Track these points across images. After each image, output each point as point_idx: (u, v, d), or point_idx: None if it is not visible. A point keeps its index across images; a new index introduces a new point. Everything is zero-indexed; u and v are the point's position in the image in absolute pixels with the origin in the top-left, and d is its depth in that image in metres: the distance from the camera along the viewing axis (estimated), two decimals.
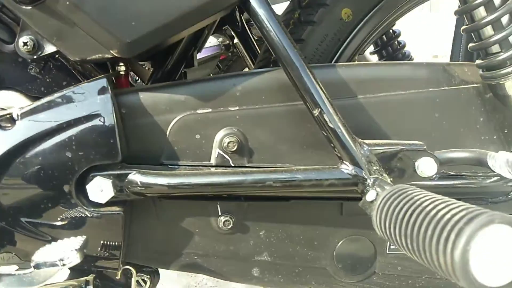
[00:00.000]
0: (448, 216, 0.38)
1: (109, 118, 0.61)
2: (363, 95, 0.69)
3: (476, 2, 0.63)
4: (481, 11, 0.63)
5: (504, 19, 0.64)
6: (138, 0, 0.56)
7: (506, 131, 0.72)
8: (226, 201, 0.69)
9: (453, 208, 0.39)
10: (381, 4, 0.78)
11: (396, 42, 1.06)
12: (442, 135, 0.71)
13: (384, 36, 1.06)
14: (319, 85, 0.60)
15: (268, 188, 0.60)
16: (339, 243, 0.73)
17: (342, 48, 0.79)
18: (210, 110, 0.66)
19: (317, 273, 0.74)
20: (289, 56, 0.60)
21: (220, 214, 0.69)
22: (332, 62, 0.80)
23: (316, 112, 0.59)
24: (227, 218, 0.69)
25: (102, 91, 0.62)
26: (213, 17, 0.63)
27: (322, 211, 0.71)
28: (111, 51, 0.58)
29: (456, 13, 0.66)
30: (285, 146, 0.68)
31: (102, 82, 0.62)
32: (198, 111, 0.66)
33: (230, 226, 0.69)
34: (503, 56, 0.64)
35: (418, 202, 0.43)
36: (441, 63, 0.73)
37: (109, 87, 0.61)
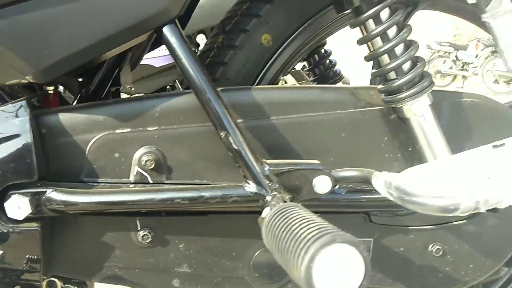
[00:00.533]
0: (304, 234, 0.43)
1: (26, 139, 0.64)
2: (276, 116, 0.75)
3: (373, 32, 0.69)
4: (378, 41, 0.69)
5: (399, 49, 0.70)
6: (49, 30, 0.59)
7: (410, 149, 0.78)
8: (145, 216, 0.73)
9: (310, 227, 0.44)
10: (300, 30, 0.84)
11: (327, 61, 1.13)
12: (349, 154, 0.76)
13: (316, 56, 1.12)
14: (226, 108, 0.65)
15: (176, 205, 0.64)
16: (256, 254, 0.77)
17: (264, 71, 0.85)
18: (129, 130, 0.70)
19: (235, 283, 0.78)
20: (198, 81, 0.65)
21: (139, 228, 0.73)
22: (255, 84, 0.85)
23: (222, 134, 0.64)
24: (146, 232, 0.73)
25: (21, 112, 0.65)
26: (126, 45, 0.67)
27: (239, 224, 0.76)
28: (27, 77, 0.62)
29: (358, 42, 0.72)
30: (202, 163, 0.72)
31: (22, 104, 0.65)
32: (117, 131, 0.70)
33: (149, 240, 0.73)
34: (398, 82, 0.70)
35: (289, 221, 0.48)
36: (349, 86, 0.80)
37: (28, 109, 0.65)
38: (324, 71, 1.12)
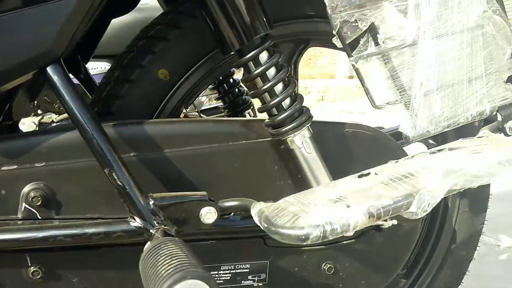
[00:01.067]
0: (162, 271, 0.47)
1: None
2: (170, 149, 0.78)
3: (254, 73, 0.74)
4: (259, 81, 0.75)
5: (278, 87, 0.76)
6: None
7: (299, 176, 0.84)
8: (35, 252, 0.73)
9: (169, 264, 0.48)
10: (198, 65, 0.88)
11: (236, 90, 1.18)
12: (243, 184, 0.81)
13: (225, 85, 1.18)
14: (109, 145, 0.67)
15: (60, 242, 0.65)
16: None
17: (162, 104, 0.88)
18: (15, 166, 0.70)
19: None
20: (82, 119, 0.66)
21: (29, 264, 0.72)
22: (154, 117, 0.88)
23: (106, 170, 0.66)
24: (36, 268, 0.72)
25: None
26: (12, 83, 0.68)
27: (132, 256, 0.77)
28: None
29: (241, 81, 0.77)
30: (93, 198, 0.73)
31: None
32: (3, 168, 0.70)
33: (39, 276, 0.72)
34: (279, 118, 0.76)
35: (156, 257, 0.51)
36: (242, 119, 0.85)
37: None
38: (233, 100, 1.17)
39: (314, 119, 0.78)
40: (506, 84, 0.84)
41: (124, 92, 0.84)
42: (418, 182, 0.64)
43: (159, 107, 0.88)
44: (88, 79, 1.11)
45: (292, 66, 1.06)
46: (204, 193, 0.71)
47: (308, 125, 0.77)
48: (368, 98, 0.75)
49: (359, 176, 0.70)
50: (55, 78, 0.66)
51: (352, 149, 0.87)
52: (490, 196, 1.04)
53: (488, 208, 1.04)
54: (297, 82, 1.07)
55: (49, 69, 0.66)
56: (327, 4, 0.70)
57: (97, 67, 2.35)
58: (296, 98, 0.77)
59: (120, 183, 0.66)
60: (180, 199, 0.69)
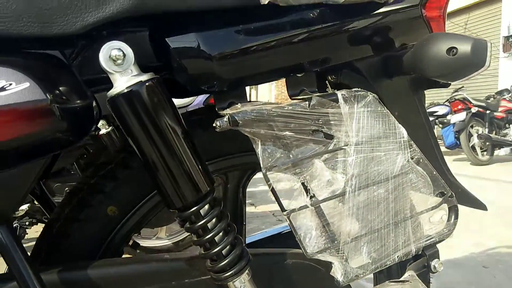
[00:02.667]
0: None
1: None
2: None
3: (196, 225, 0.79)
4: (200, 232, 0.80)
5: (218, 237, 0.81)
6: None
7: None
8: None
9: None
10: (143, 203, 0.92)
11: None
12: None
13: None
14: None
15: None
16: None
17: (111, 236, 0.91)
18: None
19: None
20: (23, 272, 0.69)
21: None
22: (102, 249, 0.91)
23: None
24: None
25: None
26: None
27: None
28: None
29: (185, 230, 0.82)
30: None
31: None
32: None
33: None
34: (220, 265, 0.80)
35: None
36: (186, 256, 0.89)
37: None
38: None
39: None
40: (430, 224, 0.92)
41: (72, 231, 0.88)
42: None
43: (107, 239, 0.92)
44: (46, 198, 1.14)
45: (241, 189, 1.12)
46: None
47: (247, 269, 0.82)
48: (301, 248, 0.81)
49: None
50: (4, 240, 0.69)
51: (294, 280, 0.92)
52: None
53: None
54: (244, 206, 1.13)
55: None
56: (261, 165, 0.77)
57: None
58: (236, 243, 0.82)
59: None
60: None
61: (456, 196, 0.91)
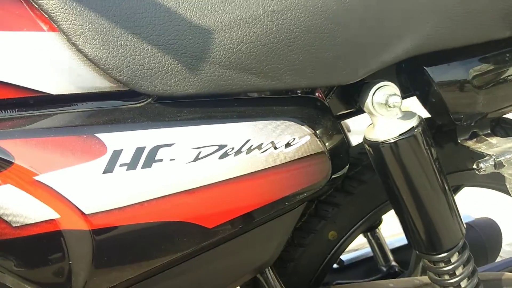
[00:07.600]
0: None
1: None
2: None
3: (443, 269, 0.75)
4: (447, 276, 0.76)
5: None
6: None
7: None
8: None
9: None
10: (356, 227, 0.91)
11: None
12: None
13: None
14: None
15: None
16: None
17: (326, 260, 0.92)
18: None
19: None
20: None
21: None
22: (318, 272, 0.92)
23: None
24: None
25: None
26: None
27: None
28: None
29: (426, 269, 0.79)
30: None
31: None
32: None
33: None
34: None
35: None
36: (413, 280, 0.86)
37: None
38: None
39: None
40: None
41: (298, 255, 0.88)
42: None
43: (323, 263, 0.92)
44: None
45: None
46: None
47: None
48: None
49: None
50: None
51: None
52: None
53: None
54: None
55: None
56: None
57: None
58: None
59: None
60: None
61: None
